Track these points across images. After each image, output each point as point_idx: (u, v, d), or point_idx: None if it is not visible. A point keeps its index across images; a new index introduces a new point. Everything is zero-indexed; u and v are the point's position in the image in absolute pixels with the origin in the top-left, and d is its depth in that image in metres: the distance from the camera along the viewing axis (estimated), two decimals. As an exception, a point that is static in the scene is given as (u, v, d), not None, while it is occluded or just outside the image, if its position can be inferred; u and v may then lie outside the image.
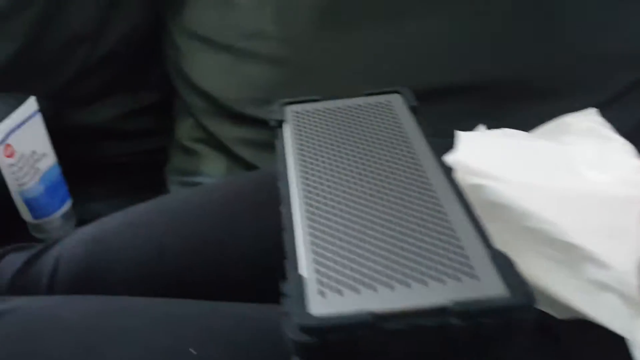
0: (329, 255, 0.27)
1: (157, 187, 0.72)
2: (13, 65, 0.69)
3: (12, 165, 0.60)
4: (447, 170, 0.33)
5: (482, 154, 0.38)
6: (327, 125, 0.39)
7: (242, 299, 0.38)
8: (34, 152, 0.63)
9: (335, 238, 0.28)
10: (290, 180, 0.34)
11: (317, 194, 0.32)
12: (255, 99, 0.63)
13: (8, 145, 0.59)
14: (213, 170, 0.65)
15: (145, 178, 0.74)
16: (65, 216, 0.66)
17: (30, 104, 0.63)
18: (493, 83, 0.54)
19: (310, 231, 0.29)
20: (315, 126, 0.40)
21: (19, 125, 0.61)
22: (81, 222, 0.67)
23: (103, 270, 0.43)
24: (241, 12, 0.64)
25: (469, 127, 0.45)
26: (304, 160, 0.36)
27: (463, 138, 0.40)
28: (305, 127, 0.40)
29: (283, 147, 0.39)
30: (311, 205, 0.31)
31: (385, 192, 0.32)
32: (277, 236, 0.31)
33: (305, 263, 0.27)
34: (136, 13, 0.72)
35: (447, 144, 0.39)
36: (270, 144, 0.63)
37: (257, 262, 0.42)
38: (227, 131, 0.65)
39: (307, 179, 0.34)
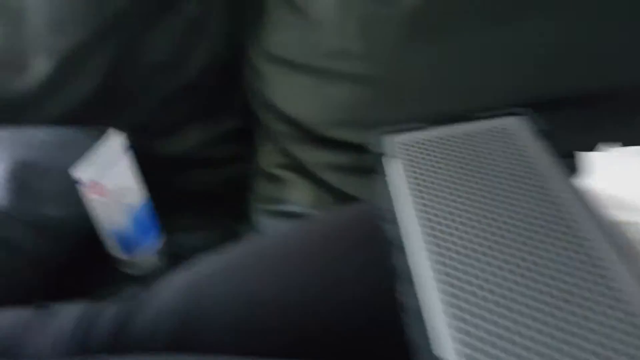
0: (481, 335, 0.23)
1: (244, 216, 0.70)
2: (97, 98, 0.69)
3: (102, 203, 0.60)
4: (594, 208, 0.28)
5: (629, 181, 0.33)
6: (442, 158, 0.35)
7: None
8: (122, 187, 0.62)
9: (482, 309, 0.24)
10: (408, 227, 0.30)
11: (448, 248, 0.28)
12: (341, 121, 0.60)
13: (97, 182, 0.59)
14: (300, 197, 0.63)
15: (232, 206, 0.73)
16: (156, 251, 0.65)
17: (117, 139, 0.62)
18: (623, 90, 0.48)
19: (449, 299, 0.25)
20: (430, 160, 0.36)
21: (106, 162, 0.61)
22: (172, 256, 0.66)
23: (199, 324, 0.40)
24: (323, 31, 0.61)
25: (589, 144, 0.40)
26: (423, 203, 0.32)
27: (597, 161, 0.35)
28: (417, 162, 0.36)
29: (393, 186, 0.35)
30: (443, 263, 0.27)
31: (528, 243, 0.27)
32: (388, 287, 0.27)
33: (449, 344, 0.23)
34: (216, 39, 0.70)
35: (569, 165, 0.34)
36: (358, 169, 0.60)
37: (366, 317, 0.38)
38: (312, 156, 0.62)
39: (431, 227, 0.30)
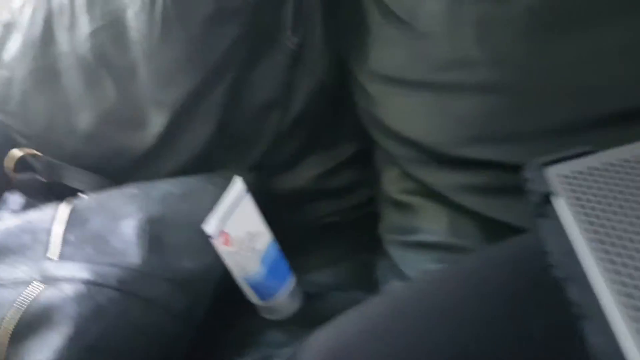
0: None
1: (374, 245, 0.66)
2: (211, 144, 0.69)
3: (231, 253, 0.59)
4: None
5: None
6: (613, 187, 0.29)
7: None
8: (249, 233, 0.61)
9: None
10: (588, 269, 0.25)
11: (636, 286, 0.23)
12: (469, 137, 0.54)
13: (224, 233, 0.58)
14: (434, 225, 0.58)
15: (360, 235, 0.69)
16: (291, 293, 0.63)
17: (237, 184, 0.61)
18: None
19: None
20: (599, 191, 0.30)
21: (231, 210, 0.60)
22: (306, 296, 0.64)
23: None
24: (434, 41, 0.56)
25: None
26: (599, 239, 0.26)
27: None
28: (584, 195, 0.30)
29: (562, 232, 0.29)
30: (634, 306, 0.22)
31: None
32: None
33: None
34: (319, 67, 0.67)
35: None
36: (498, 188, 0.54)
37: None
38: (442, 178, 0.57)
39: (622, 282, 0.25)
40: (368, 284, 0.64)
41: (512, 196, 0.51)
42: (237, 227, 0.59)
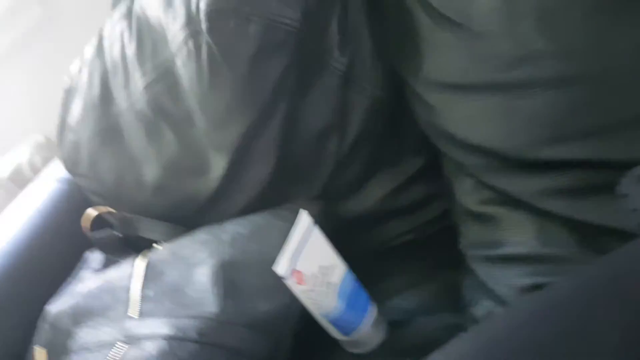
0: None
1: (456, 262, 0.62)
2: (273, 179, 0.68)
3: (306, 291, 0.57)
4: None
5: None
6: None
7: None
8: (322, 268, 0.58)
9: None
10: None
11: None
12: (547, 136, 0.49)
13: (297, 272, 0.56)
14: (520, 235, 0.53)
15: (439, 252, 0.65)
16: (374, 324, 0.60)
17: (303, 218, 0.59)
18: None
19: None
20: None
21: (300, 246, 0.57)
22: (391, 324, 0.61)
23: None
24: (492, 40, 0.51)
25: None
26: None
27: None
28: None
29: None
30: None
31: None
32: None
33: None
34: (372, 84, 0.65)
35: None
36: (586, 188, 0.48)
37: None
38: (523, 184, 0.52)
39: None
40: (455, 305, 0.60)
41: (603, 195, 0.45)
42: (309, 263, 0.57)
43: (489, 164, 0.55)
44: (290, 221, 0.61)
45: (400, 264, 0.67)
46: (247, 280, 0.61)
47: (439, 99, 0.58)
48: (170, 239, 0.71)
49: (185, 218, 0.73)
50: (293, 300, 0.58)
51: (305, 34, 0.61)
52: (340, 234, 0.63)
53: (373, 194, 0.68)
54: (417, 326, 0.61)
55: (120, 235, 0.74)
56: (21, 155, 1.06)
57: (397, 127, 0.67)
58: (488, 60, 0.52)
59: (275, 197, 0.68)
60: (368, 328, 0.59)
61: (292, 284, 0.56)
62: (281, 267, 0.55)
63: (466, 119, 0.56)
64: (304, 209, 0.62)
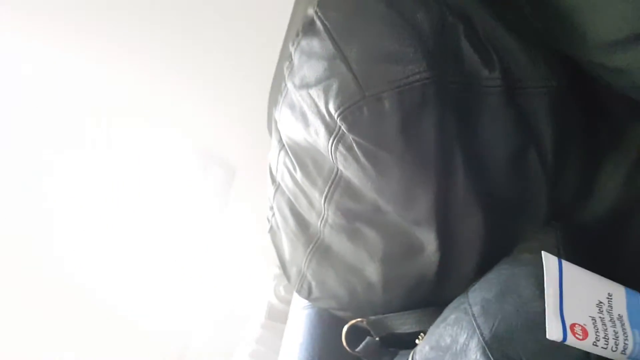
0: None
1: None
2: (491, 226, 0.61)
3: (594, 341, 0.48)
4: None
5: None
6: None
7: None
8: (598, 304, 0.49)
9: None
10: None
11: None
12: None
13: (573, 325, 0.48)
14: None
15: None
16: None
17: (547, 261, 0.51)
18: None
19: None
20: None
21: (561, 295, 0.49)
22: None
23: None
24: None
25: None
26: None
27: None
28: None
29: None
30: None
31: None
32: None
33: None
34: (538, 79, 0.55)
35: None
36: None
37: None
38: None
39: None
40: None
41: None
42: (581, 309, 0.48)
43: None
44: (532, 263, 0.54)
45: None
46: (521, 347, 0.54)
47: (623, 58, 0.46)
48: (424, 324, 0.68)
49: (426, 298, 0.69)
50: (584, 355, 0.49)
51: (440, 75, 0.55)
52: (594, 250, 0.53)
53: (607, 190, 0.57)
54: None
55: (377, 338, 0.74)
56: (267, 292, 1.15)
57: (594, 104, 0.56)
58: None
59: (504, 243, 0.61)
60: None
61: (574, 342, 0.48)
62: (552, 331, 0.47)
63: None
64: (540, 242, 0.54)
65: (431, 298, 0.68)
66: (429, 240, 0.63)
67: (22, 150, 1.55)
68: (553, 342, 0.49)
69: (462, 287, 0.64)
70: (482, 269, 0.63)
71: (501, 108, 0.56)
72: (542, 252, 0.51)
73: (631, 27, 0.44)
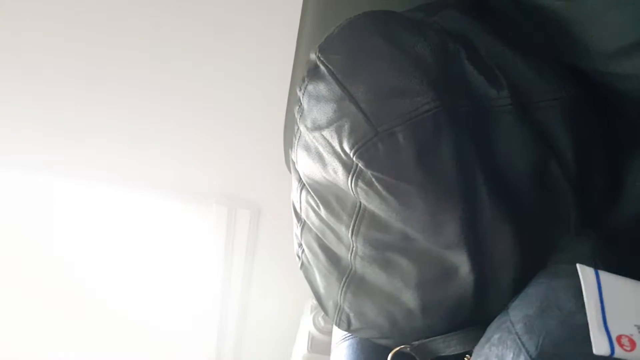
0: None
1: None
2: (521, 242, 0.60)
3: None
4: None
5: None
6: None
7: None
8: None
9: None
10: None
11: None
12: None
13: (619, 337, 0.47)
14: None
15: None
16: None
17: (583, 273, 0.51)
18: None
19: None
20: None
21: (602, 307, 0.49)
22: None
23: None
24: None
25: None
26: None
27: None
28: None
29: None
30: None
31: None
32: None
33: None
34: (547, 91, 0.55)
35: None
36: None
37: None
38: None
39: None
40: None
41: None
42: (624, 319, 0.48)
43: None
44: (569, 274, 0.53)
45: None
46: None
47: (630, 64, 0.46)
48: (468, 345, 0.67)
49: (468, 318, 0.69)
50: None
51: (449, 102, 0.55)
52: (628, 254, 0.53)
53: (635, 190, 0.56)
54: None
55: (425, 363, 0.73)
56: (306, 324, 1.15)
57: (610, 106, 0.55)
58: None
59: (539, 255, 0.61)
60: None
61: (622, 354, 0.47)
62: (599, 346, 0.47)
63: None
64: (574, 252, 0.53)
65: (473, 317, 0.68)
66: (461, 262, 0.63)
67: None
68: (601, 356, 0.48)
69: (502, 304, 0.63)
70: (520, 284, 0.62)
71: (515, 125, 0.56)
72: (578, 264, 0.51)
73: (633, 35, 0.43)
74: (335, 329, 0.96)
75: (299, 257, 0.84)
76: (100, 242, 1.86)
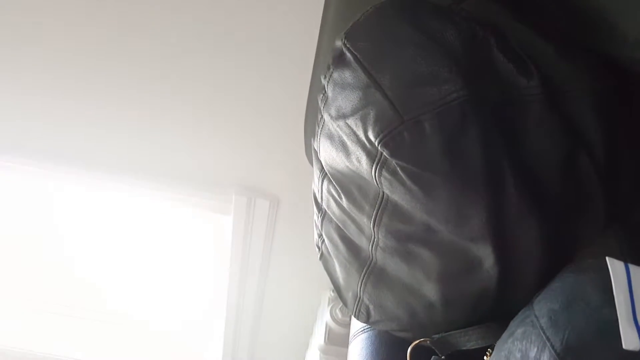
0: None
1: None
2: (548, 233, 0.59)
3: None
4: None
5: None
6: None
7: None
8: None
9: None
10: None
11: None
12: None
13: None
14: None
15: None
16: None
17: (613, 267, 0.49)
18: None
19: None
20: None
21: (632, 301, 0.48)
22: None
23: None
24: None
25: None
26: None
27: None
28: None
29: None
30: None
31: None
32: None
33: None
34: (578, 81, 0.54)
35: None
36: None
37: None
38: None
39: None
40: None
41: None
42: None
43: None
44: (597, 268, 0.52)
45: None
46: (597, 358, 0.52)
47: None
48: (490, 339, 0.67)
49: (490, 312, 0.68)
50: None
51: (477, 91, 0.54)
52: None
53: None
54: None
55: (443, 357, 0.73)
56: (324, 315, 1.15)
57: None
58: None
59: (565, 249, 0.60)
60: None
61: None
62: (629, 341, 0.46)
63: None
64: (603, 246, 0.52)
65: (494, 312, 0.67)
66: (485, 255, 0.62)
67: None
68: (630, 350, 0.47)
69: (526, 299, 0.62)
70: (544, 278, 0.61)
71: (545, 115, 0.55)
72: (607, 257, 0.50)
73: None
74: (353, 320, 0.96)
75: (318, 247, 0.84)
76: (117, 235, 1.88)
